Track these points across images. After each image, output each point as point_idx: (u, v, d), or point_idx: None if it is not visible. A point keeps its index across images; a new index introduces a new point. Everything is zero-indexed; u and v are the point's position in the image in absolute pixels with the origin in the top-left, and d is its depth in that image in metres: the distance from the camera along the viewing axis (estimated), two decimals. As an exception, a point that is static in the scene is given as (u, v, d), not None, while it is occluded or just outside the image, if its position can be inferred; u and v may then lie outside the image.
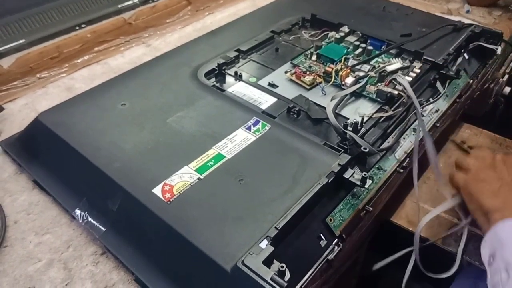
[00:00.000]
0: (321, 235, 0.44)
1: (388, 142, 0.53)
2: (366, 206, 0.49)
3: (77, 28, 0.80)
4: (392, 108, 0.56)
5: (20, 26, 0.76)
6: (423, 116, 0.59)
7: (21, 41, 0.74)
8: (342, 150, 0.48)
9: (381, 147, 0.52)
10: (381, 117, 0.55)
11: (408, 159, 0.55)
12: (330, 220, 0.45)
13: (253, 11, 0.81)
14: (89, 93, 0.57)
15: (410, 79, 0.59)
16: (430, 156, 0.51)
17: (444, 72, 0.63)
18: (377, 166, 0.52)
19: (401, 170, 0.54)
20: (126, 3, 0.87)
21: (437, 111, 0.61)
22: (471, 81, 0.69)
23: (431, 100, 0.60)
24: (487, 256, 0.43)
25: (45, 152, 0.52)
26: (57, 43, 0.69)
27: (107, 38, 0.75)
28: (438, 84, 0.63)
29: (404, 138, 0.56)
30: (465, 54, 0.70)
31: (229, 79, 0.60)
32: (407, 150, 0.55)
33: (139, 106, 0.54)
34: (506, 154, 0.51)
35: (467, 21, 0.77)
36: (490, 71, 0.76)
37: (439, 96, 0.61)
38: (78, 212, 0.46)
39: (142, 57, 0.74)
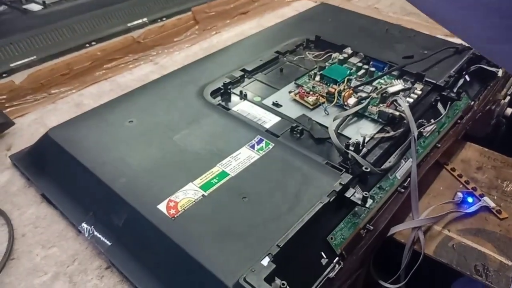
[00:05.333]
0: (322, 254, 0.45)
1: (389, 162, 0.54)
2: (367, 225, 0.49)
3: (87, 45, 0.83)
4: (394, 129, 0.57)
5: (32, 43, 0.78)
6: (425, 136, 0.60)
7: (32, 58, 0.77)
8: (344, 170, 0.49)
9: (382, 167, 0.53)
10: (383, 137, 0.56)
11: (409, 179, 0.56)
12: (331, 238, 0.46)
13: (258, 32, 0.83)
14: (98, 110, 0.59)
15: (411, 100, 0.60)
16: (412, 189, 0.54)
17: (445, 94, 0.65)
18: (378, 185, 0.53)
19: (402, 190, 0.55)
20: (136, 22, 0.90)
21: (438, 132, 0.62)
22: (472, 102, 0.70)
23: (432, 121, 0.61)
24: None
25: (54, 167, 0.53)
26: (67, 60, 0.72)
27: (116, 56, 0.77)
28: (440, 106, 0.64)
29: (405, 158, 0.57)
30: (466, 76, 0.72)
31: (234, 98, 0.62)
32: (408, 170, 0.56)
33: (146, 123, 0.56)
34: None
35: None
36: (491, 93, 0.77)
37: (440, 118, 0.62)
38: (84, 226, 0.47)
39: (150, 74, 0.76)
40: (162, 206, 0.44)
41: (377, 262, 0.58)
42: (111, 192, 0.46)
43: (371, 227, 0.49)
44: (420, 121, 0.60)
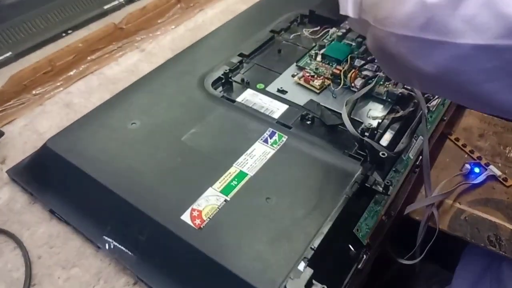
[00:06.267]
0: (350, 246, 0.45)
1: (402, 144, 0.54)
2: (388, 210, 0.50)
3: (64, 34, 0.77)
4: (402, 107, 0.57)
5: (3, 38, 0.72)
6: (431, 111, 0.60)
7: (7, 54, 0.71)
8: (362, 158, 0.49)
9: (396, 150, 0.53)
10: (393, 118, 0.55)
11: (420, 157, 0.56)
12: (357, 230, 0.46)
13: (247, 9, 0.79)
14: (96, 113, 0.55)
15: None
16: (424, 167, 0.54)
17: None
18: (394, 169, 0.53)
19: (416, 169, 0.55)
20: (112, 4, 0.84)
21: (443, 105, 0.62)
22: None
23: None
24: None
25: (59, 180, 0.50)
26: (49, 56, 0.66)
27: (99, 46, 0.72)
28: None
29: (415, 137, 0.57)
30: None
31: (237, 87, 0.59)
32: (419, 148, 0.56)
33: (150, 124, 0.53)
34: None
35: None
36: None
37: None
38: (105, 241, 0.45)
39: (138, 63, 0.71)
40: (186, 217, 0.43)
41: (391, 239, 0.60)
42: (128, 205, 0.44)
43: (392, 212, 0.50)
44: (425, 96, 0.59)
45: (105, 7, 0.83)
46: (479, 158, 0.63)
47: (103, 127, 0.52)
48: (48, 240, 0.47)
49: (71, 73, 0.68)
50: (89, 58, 0.71)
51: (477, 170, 0.61)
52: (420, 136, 0.56)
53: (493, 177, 0.61)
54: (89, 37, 0.71)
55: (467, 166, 0.60)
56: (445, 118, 0.62)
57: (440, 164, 0.63)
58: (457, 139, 0.66)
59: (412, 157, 0.55)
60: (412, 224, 0.57)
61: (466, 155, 0.64)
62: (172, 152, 0.49)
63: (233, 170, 0.47)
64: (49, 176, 0.50)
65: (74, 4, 0.80)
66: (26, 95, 0.64)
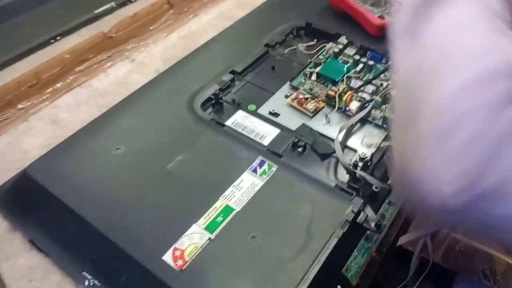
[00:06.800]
0: (338, 287, 0.43)
1: (397, 174, 0.52)
2: (380, 246, 0.48)
3: (52, 41, 0.74)
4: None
5: (-12, 45, 0.70)
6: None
7: (-7, 64, 0.69)
8: (354, 193, 0.47)
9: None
10: (390, 145, 0.53)
11: (416, 185, 0.54)
12: (346, 270, 0.44)
13: (242, 18, 0.75)
14: (79, 136, 0.53)
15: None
16: None
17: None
18: (387, 201, 0.51)
19: (411, 200, 0.53)
20: (102, 8, 0.81)
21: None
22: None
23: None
24: None
25: (39, 209, 0.48)
26: (34, 69, 0.64)
27: (87, 56, 0.69)
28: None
29: (411, 164, 0.54)
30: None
31: (228, 107, 0.57)
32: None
33: (135, 150, 0.51)
34: None
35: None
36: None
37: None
38: (85, 279, 0.43)
39: (128, 75, 0.69)
40: (167, 257, 0.41)
41: (383, 267, 0.58)
42: (108, 241, 0.43)
43: (384, 249, 0.48)
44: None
45: (95, 11, 0.80)
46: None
47: (86, 153, 0.51)
48: (28, 272, 0.46)
49: (58, 85, 0.66)
50: (76, 69, 0.68)
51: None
52: (416, 164, 0.54)
53: (490, 204, 0.59)
54: (76, 47, 0.68)
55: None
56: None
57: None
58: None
59: (407, 187, 0.53)
60: (405, 253, 0.55)
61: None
62: (156, 182, 0.48)
63: (219, 204, 0.45)
64: (29, 204, 0.49)
65: (63, 9, 0.77)
66: (11, 110, 0.61)
